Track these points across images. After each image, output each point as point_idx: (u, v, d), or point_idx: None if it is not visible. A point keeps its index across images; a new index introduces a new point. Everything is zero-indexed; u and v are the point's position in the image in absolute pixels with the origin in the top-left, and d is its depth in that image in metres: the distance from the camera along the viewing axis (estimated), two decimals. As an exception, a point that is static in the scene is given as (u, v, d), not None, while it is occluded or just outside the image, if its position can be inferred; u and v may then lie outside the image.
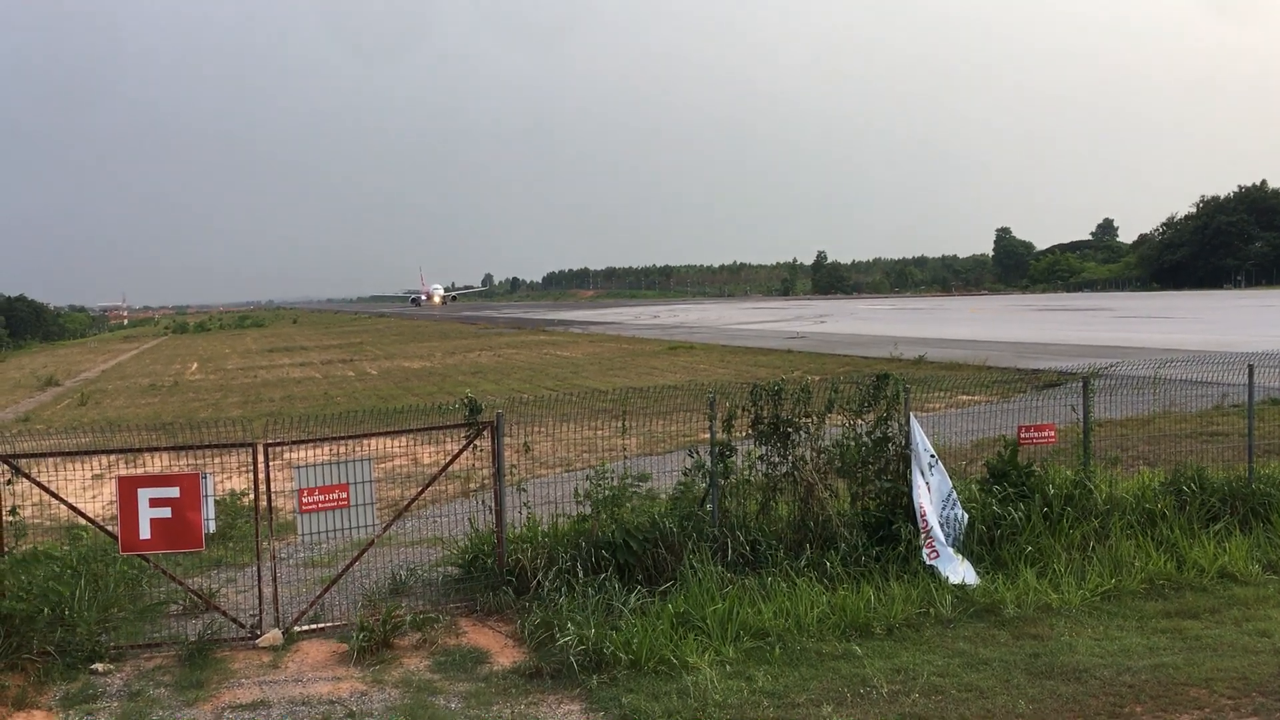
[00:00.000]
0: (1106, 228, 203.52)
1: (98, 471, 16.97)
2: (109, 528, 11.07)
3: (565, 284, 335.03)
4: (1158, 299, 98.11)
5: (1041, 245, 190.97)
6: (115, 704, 9.32)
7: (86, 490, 13.08)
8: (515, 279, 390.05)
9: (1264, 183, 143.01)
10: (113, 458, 14.07)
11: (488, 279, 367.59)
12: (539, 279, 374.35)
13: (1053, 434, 13.39)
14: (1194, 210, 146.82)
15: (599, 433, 15.12)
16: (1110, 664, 9.36)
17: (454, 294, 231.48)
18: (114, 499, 10.75)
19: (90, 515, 11.39)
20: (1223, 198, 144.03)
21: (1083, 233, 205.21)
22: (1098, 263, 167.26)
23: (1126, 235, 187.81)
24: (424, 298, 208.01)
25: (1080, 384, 13.97)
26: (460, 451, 12.03)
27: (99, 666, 10.07)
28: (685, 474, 12.29)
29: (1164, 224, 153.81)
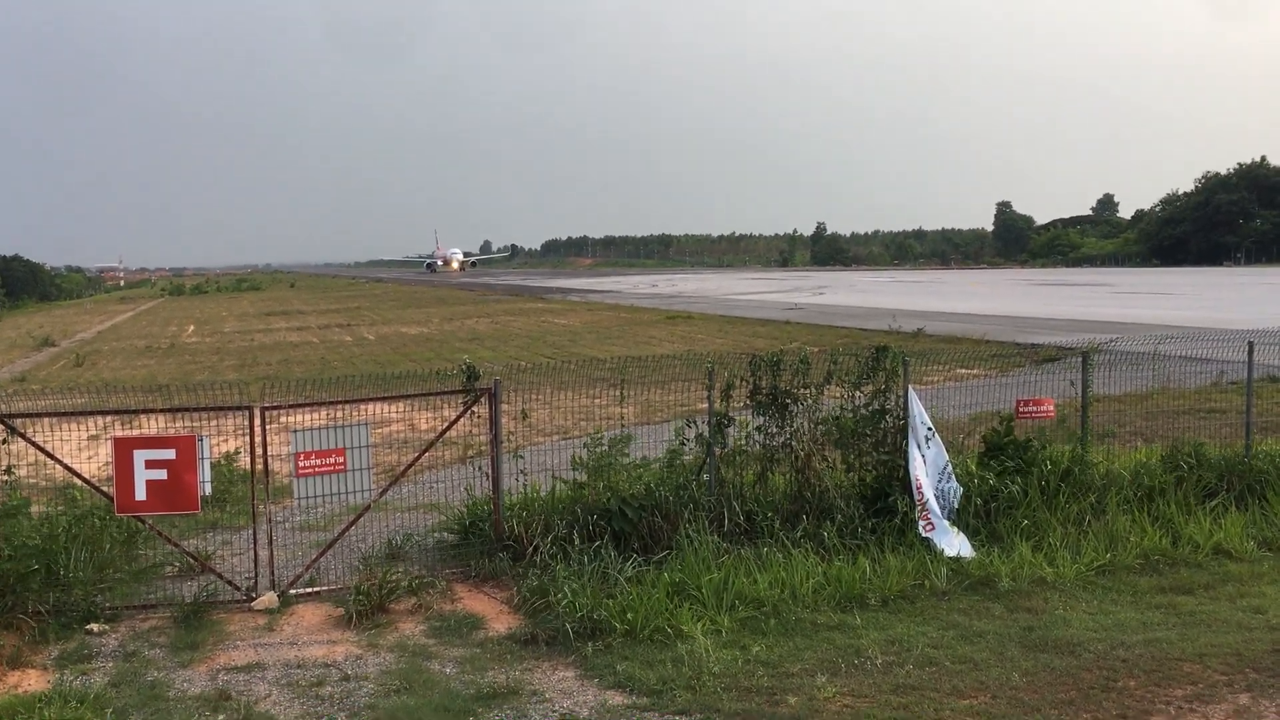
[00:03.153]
0: (1107, 203, 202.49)
1: (94, 432, 16.96)
2: (104, 489, 11.05)
3: (564, 251, 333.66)
4: (1157, 275, 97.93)
5: (1042, 220, 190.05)
6: (110, 664, 9.34)
7: (82, 451, 13.07)
8: (514, 246, 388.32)
9: (1264, 159, 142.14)
10: (109, 419, 14.04)
11: (486, 245, 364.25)
12: (537, 246, 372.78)
13: (1051, 409, 13.37)
14: (1195, 187, 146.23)
15: (596, 401, 15.08)
16: (1104, 638, 9.39)
17: (474, 259, 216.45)
18: (110, 460, 10.73)
19: (86, 476, 11.39)
20: (1223, 174, 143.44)
21: (1083, 208, 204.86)
22: (1097, 238, 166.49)
23: (1126, 211, 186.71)
24: (440, 263, 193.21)
25: (1079, 359, 13.93)
26: (458, 418, 12.00)
27: (94, 627, 10.09)
28: (682, 442, 12.24)
29: (1164, 200, 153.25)
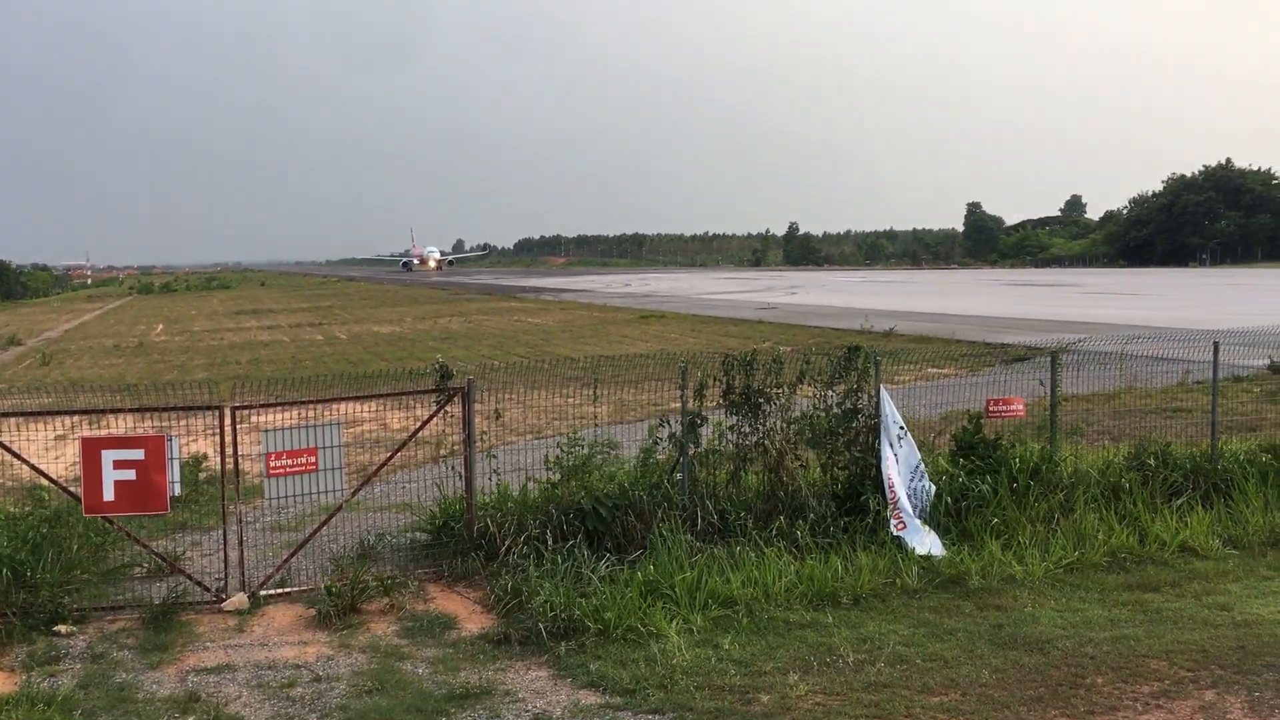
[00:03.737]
0: (1075, 204, 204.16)
1: (60, 432, 16.79)
2: (72, 489, 10.93)
3: (537, 251, 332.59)
4: (1124, 275, 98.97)
5: (1011, 220, 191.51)
6: (78, 666, 9.25)
7: (49, 451, 12.92)
8: (487, 245, 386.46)
9: (1229, 161, 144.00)
10: (76, 418, 13.90)
11: (459, 244, 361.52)
12: (510, 245, 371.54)
13: (1021, 408, 13.50)
14: (1161, 188, 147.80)
15: (570, 400, 15.10)
16: (1072, 635, 9.49)
17: (451, 258, 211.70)
18: (77, 460, 10.61)
19: (53, 476, 11.25)
20: (1190, 176, 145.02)
21: (1051, 209, 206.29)
22: (1066, 239, 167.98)
23: (1094, 212, 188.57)
24: (416, 261, 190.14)
25: (1048, 359, 14.07)
26: (431, 417, 11.96)
27: (61, 628, 9.98)
28: (655, 441, 12.27)
29: (1132, 201, 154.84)
